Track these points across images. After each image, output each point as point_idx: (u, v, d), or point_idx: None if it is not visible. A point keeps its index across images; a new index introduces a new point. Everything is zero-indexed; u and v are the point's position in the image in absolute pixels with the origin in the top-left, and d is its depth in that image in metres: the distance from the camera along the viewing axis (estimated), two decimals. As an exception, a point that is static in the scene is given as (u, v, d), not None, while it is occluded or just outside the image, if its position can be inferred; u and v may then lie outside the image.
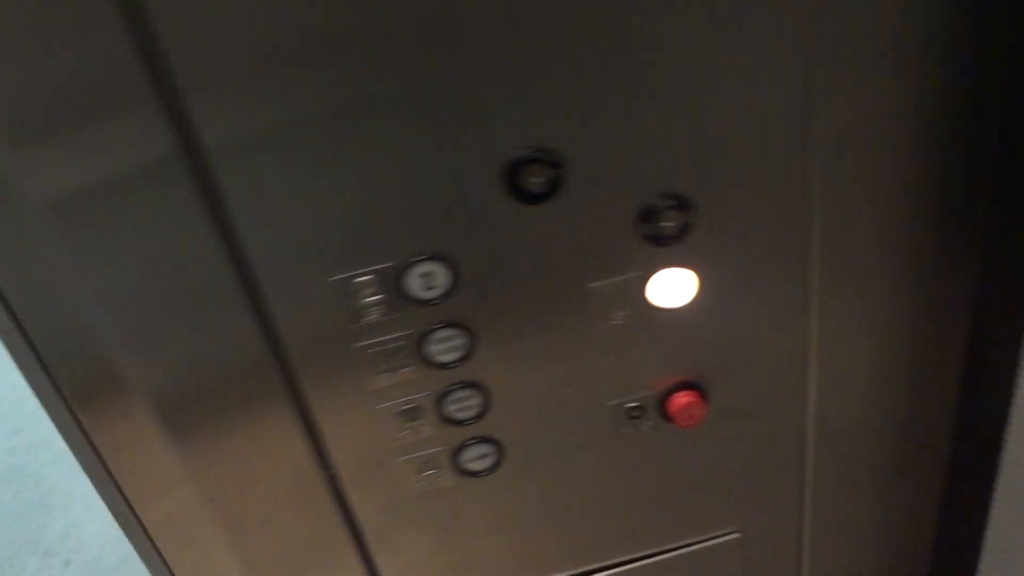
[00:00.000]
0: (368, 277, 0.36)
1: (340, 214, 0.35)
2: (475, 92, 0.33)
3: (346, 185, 0.34)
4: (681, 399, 0.43)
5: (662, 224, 0.38)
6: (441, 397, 0.41)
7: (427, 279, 0.37)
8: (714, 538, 0.50)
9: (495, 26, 0.32)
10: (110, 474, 0.40)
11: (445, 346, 0.39)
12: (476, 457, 0.43)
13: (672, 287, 0.40)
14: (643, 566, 0.50)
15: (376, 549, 0.45)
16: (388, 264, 0.36)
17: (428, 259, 0.36)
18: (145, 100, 0.31)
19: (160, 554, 0.44)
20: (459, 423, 0.41)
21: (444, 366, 0.39)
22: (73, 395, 0.38)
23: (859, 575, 0.56)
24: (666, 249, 0.38)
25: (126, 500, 0.41)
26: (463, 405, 0.41)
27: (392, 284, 0.36)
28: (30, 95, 0.31)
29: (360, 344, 0.38)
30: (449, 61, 0.33)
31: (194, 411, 0.39)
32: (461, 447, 0.43)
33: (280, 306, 0.36)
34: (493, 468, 0.43)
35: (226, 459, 0.40)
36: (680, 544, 0.50)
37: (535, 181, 0.35)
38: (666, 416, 0.44)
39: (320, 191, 0.34)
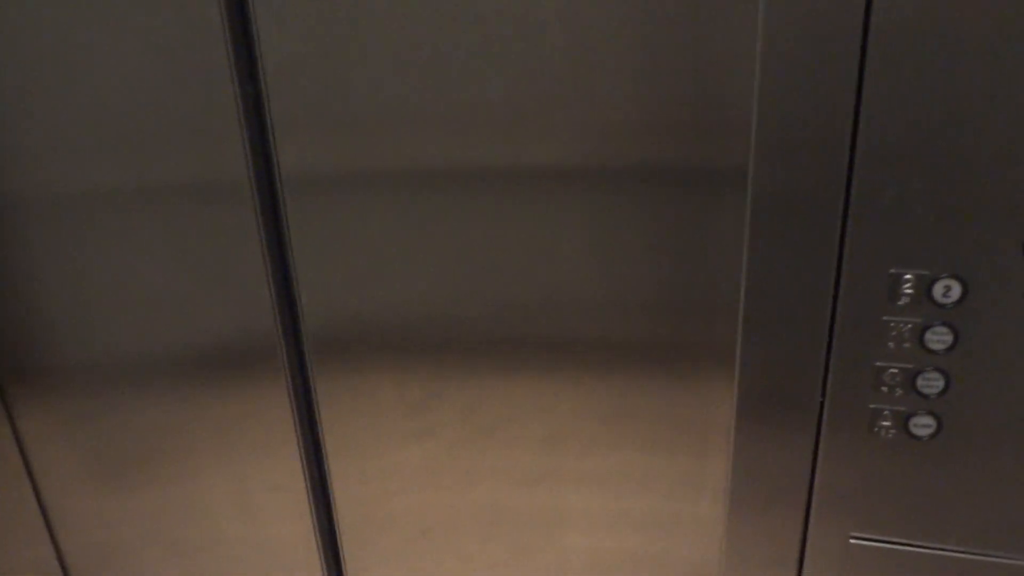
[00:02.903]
0: (911, 276, 0.60)
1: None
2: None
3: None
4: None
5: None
6: (916, 373, 0.62)
7: (947, 290, 0.59)
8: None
9: None
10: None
11: (936, 338, 0.61)
12: (921, 425, 0.64)
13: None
14: None
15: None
16: (925, 272, 0.59)
17: (952, 277, 0.59)
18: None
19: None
20: (920, 395, 0.63)
21: (928, 351, 0.61)
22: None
23: None
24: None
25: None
26: (929, 383, 0.62)
27: (925, 286, 0.59)
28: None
29: (887, 317, 0.61)
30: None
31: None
32: (912, 414, 0.64)
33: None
34: (928, 438, 0.64)
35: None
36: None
37: (1043, 249, 0.57)
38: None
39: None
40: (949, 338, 0.60)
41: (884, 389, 0.63)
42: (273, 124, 0.71)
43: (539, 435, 0.81)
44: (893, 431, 0.64)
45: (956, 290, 0.59)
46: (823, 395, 0.64)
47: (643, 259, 0.71)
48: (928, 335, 0.60)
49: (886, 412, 0.64)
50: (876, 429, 0.65)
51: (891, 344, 0.61)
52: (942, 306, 0.60)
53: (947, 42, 0.53)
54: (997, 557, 0.67)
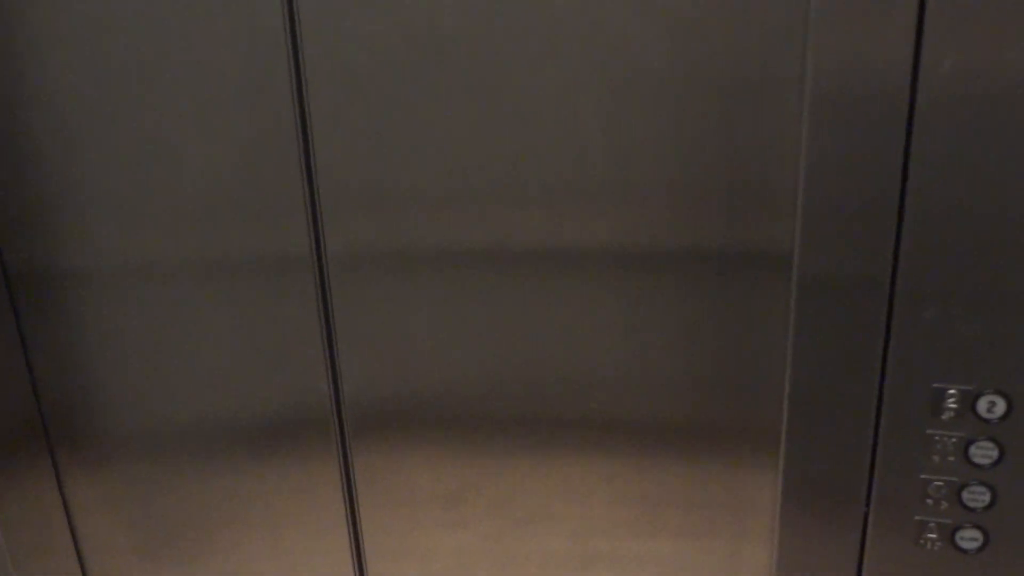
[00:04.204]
0: (955, 391, 0.59)
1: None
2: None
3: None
4: None
5: None
6: (962, 486, 0.61)
7: (991, 405, 0.58)
8: None
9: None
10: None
11: (982, 452, 0.60)
12: (968, 539, 0.62)
13: None
14: None
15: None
16: (969, 387, 0.58)
17: (996, 392, 0.58)
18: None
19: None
20: (967, 508, 0.61)
21: (974, 464, 0.60)
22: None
23: None
24: None
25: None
26: (975, 497, 0.61)
27: (970, 401, 0.59)
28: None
29: (931, 431, 0.60)
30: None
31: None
32: (959, 527, 0.62)
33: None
34: (976, 552, 0.62)
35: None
36: None
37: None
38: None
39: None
40: (995, 452, 0.59)
41: (930, 501, 0.62)
42: (322, 208, 0.73)
43: (575, 523, 0.80)
44: (940, 543, 0.63)
45: (1001, 405, 0.58)
46: (867, 504, 0.63)
47: (683, 343, 0.71)
48: (973, 449, 0.59)
49: (932, 524, 0.62)
50: (922, 541, 0.63)
51: (936, 457, 0.61)
52: (987, 421, 0.59)
53: (992, 146, 0.54)
54: (1049, 676, 0.65)
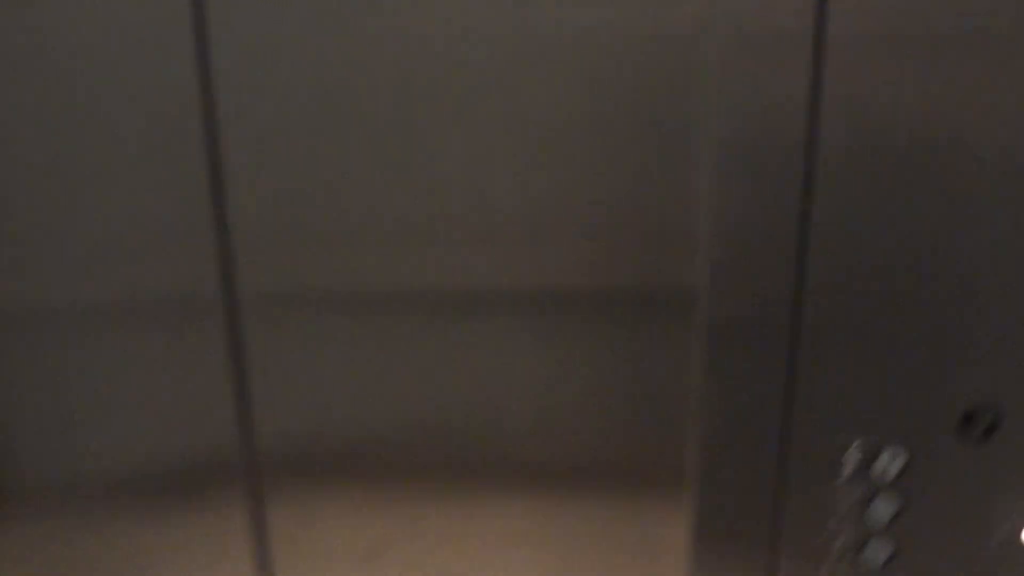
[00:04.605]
0: (856, 443, 0.60)
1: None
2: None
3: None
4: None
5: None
6: (865, 540, 0.62)
7: (892, 458, 0.60)
8: None
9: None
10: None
11: (883, 506, 0.61)
12: (871, 590, 0.64)
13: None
14: None
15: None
16: (871, 442, 0.60)
17: (897, 445, 0.60)
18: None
19: None
20: (868, 561, 0.63)
21: (874, 519, 0.62)
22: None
23: None
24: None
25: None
26: (877, 551, 0.62)
27: (871, 456, 0.60)
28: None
29: (833, 483, 0.61)
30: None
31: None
32: (863, 580, 0.64)
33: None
34: (879, 603, 0.64)
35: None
36: None
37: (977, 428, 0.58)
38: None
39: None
40: (894, 507, 0.61)
41: (834, 552, 0.63)
42: (234, 254, 0.71)
43: (494, 572, 0.80)
44: (846, 594, 0.64)
45: (900, 459, 0.60)
46: (776, 553, 0.64)
47: (595, 387, 0.71)
48: (875, 503, 0.61)
49: (837, 576, 0.64)
50: (829, 591, 0.65)
51: (839, 509, 0.62)
52: (887, 474, 0.60)
53: (891, 196, 0.55)
54: None
